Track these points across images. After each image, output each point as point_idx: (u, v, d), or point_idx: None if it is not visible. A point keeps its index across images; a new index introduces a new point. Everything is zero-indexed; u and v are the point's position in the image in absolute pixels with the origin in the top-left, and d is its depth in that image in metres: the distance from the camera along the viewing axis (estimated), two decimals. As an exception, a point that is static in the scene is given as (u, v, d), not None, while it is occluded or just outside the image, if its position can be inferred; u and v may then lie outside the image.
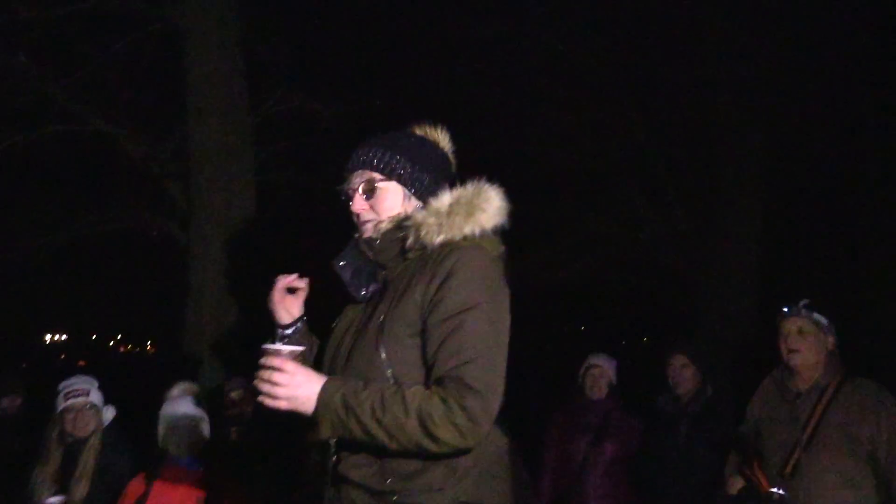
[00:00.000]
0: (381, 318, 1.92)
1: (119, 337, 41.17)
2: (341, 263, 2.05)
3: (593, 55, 7.68)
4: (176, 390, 3.69)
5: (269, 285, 2.20)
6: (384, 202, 2.01)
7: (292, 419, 1.93)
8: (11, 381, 5.52)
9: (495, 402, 1.80)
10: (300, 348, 1.90)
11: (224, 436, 3.95)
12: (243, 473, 3.74)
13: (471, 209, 1.93)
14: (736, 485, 3.54)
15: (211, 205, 5.37)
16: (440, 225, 1.92)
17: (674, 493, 4.12)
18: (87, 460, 3.83)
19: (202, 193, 5.39)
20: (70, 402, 3.88)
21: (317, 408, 1.80)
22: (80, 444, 3.82)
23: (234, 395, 4.09)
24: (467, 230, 1.92)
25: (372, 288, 2.03)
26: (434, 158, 2.07)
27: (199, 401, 3.66)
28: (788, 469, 3.27)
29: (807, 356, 3.36)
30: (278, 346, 1.88)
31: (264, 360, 1.84)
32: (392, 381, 1.85)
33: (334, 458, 1.93)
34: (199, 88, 5.45)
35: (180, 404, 3.60)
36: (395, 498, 1.84)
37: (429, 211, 1.95)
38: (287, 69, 5.96)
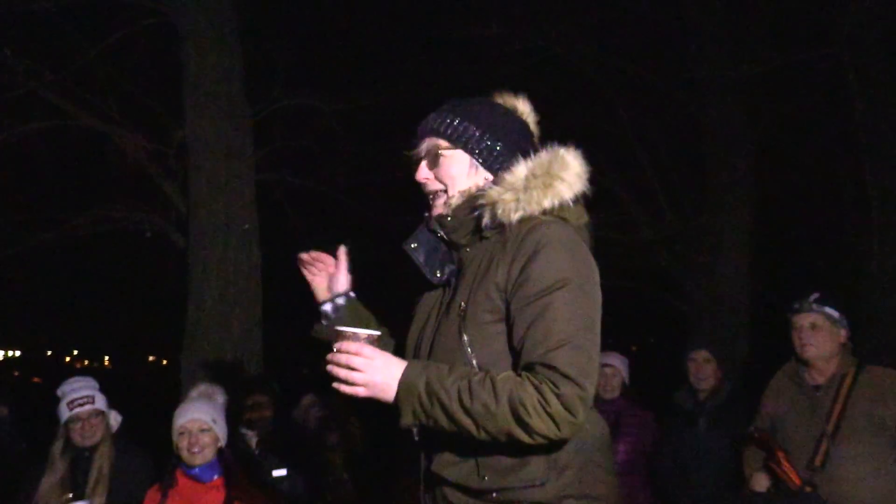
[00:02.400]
0: (463, 303, 1.79)
1: (76, 353, 40.15)
2: (413, 245, 1.92)
3: (582, 57, 7.70)
4: (194, 392, 3.54)
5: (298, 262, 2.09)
6: (448, 170, 1.88)
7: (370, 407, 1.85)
8: None
9: (591, 388, 1.67)
10: (377, 332, 1.78)
11: (243, 442, 3.81)
12: (264, 481, 3.62)
13: (548, 180, 1.79)
14: (761, 481, 3.54)
15: (211, 205, 5.22)
16: (517, 201, 1.78)
17: (692, 489, 4.12)
18: (102, 467, 3.69)
19: (202, 194, 5.24)
20: (75, 411, 3.72)
21: (398, 394, 1.69)
22: (90, 451, 3.67)
23: (253, 399, 3.96)
24: (546, 203, 1.79)
25: (448, 270, 1.89)
26: (508, 126, 1.91)
27: (215, 403, 3.52)
28: (818, 461, 3.29)
29: (821, 349, 3.39)
30: (356, 329, 1.76)
31: (339, 345, 1.72)
32: (476, 369, 1.74)
33: (424, 456, 1.84)
34: (198, 85, 5.30)
35: (192, 408, 3.45)
36: (494, 496, 1.73)
37: (503, 186, 1.80)
38: (286, 67, 5.83)
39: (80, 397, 3.73)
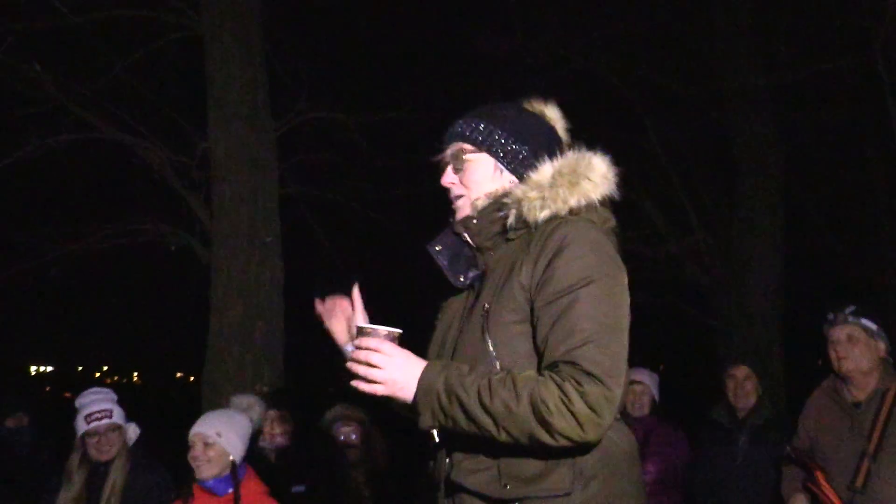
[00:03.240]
0: (486, 304, 1.75)
1: (106, 368, 40.63)
2: (437, 248, 1.88)
3: (608, 69, 7.63)
4: (234, 403, 3.48)
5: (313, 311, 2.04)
6: (473, 175, 1.86)
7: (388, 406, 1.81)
8: (13, 401, 5.31)
9: (617, 389, 1.59)
10: (398, 330, 1.73)
11: (261, 457, 3.74)
12: (281, 497, 3.54)
13: (574, 178, 1.76)
14: (800, 502, 3.41)
15: (236, 218, 5.21)
16: (543, 199, 1.74)
17: (732, 508, 3.98)
18: (116, 482, 3.63)
19: (226, 206, 5.23)
20: (93, 425, 3.67)
21: (417, 393, 1.65)
22: (105, 465, 3.62)
23: (273, 412, 3.89)
24: (573, 202, 1.75)
25: (471, 274, 1.85)
26: (534, 130, 1.89)
27: (233, 417, 3.46)
28: (860, 482, 3.15)
29: (859, 363, 3.26)
30: (376, 326, 1.73)
31: (359, 342, 1.70)
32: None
33: (446, 461, 1.76)
34: (222, 97, 5.31)
35: (203, 420, 3.38)
36: None
37: (529, 185, 1.78)
38: (310, 80, 5.84)
39: (98, 411, 3.68)
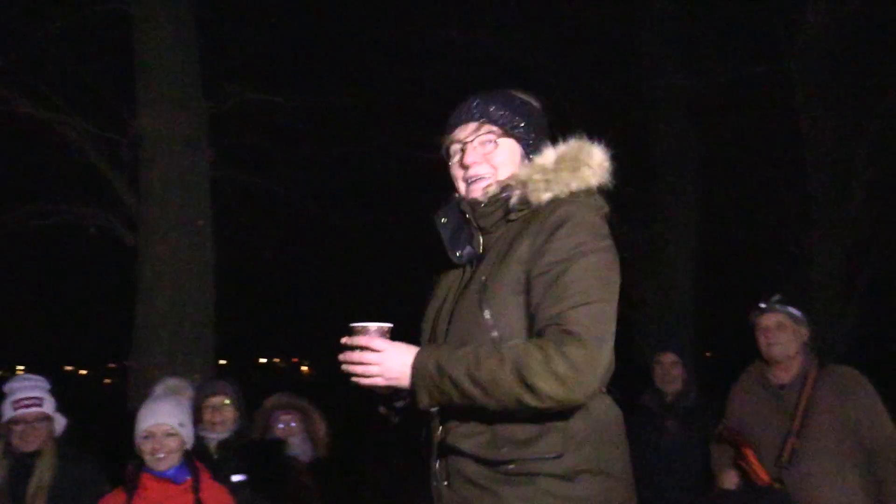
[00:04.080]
0: (483, 278, 1.82)
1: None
2: (443, 220, 1.93)
3: (542, 68, 7.77)
4: (160, 388, 3.36)
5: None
6: (499, 157, 1.92)
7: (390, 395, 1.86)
8: None
9: (600, 352, 1.66)
10: (388, 325, 1.81)
11: (201, 446, 3.62)
12: (228, 484, 3.45)
13: (576, 164, 1.85)
14: (730, 478, 3.62)
15: (165, 201, 5.00)
16: (547, 181, 1.83)
17: (660, 490, 4.16)
18: (43, 476, 3.45)
19: (155, 188, 5.01)
20: (20, 412, 3.47)
21: (412, 378, 1.72)
22: (31, 457, 3.43)
23: (214, 400, 3.77)
24: (574, 186, 1.84)
25: (467, 251, 1.90)
26: (537, 118, 1.98)
27: (181, 403, 3.35)
28: (786, 458, 3.38)
29: (787, 348, 3.51)
30: (366, 323, 1.80)
31: (351, 339, 1.77)
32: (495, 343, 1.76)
33: (440, 428, 1.83)
34: (152, 75, 5.08)
35: (158, 410, 3.27)
36: (511, 467, 1.73)
37: (533, 168, 1.87)
38: (246, 61, 5.66)
39: (27, 398, 3.49)
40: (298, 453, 3.98)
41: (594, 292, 1.71)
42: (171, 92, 5.09)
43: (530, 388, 1.63)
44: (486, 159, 1.92)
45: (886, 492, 3.27)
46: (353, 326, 1.80)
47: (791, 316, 3.55)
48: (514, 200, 1.85)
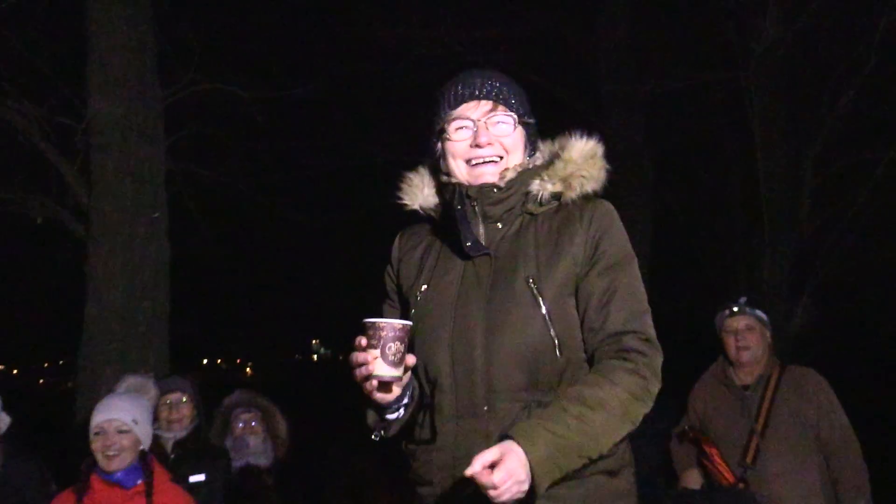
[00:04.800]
0: (531, 277, 1.77)
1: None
2: (458, 208, 1.84)
3: (497, 66, 7.76)
4: (122, 386, 3.21)
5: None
6: (514, 141, 1.89)
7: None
8: None
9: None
10: (409, 322, 1.71)
11: (157, 445, 3.49)
12: (185, 484, 3.33)
13: (596, 162, 1.88)
14: (694, 478, 3.66)
15: (118, 191, 4.79)
16: (584, 178, 1.84)
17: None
18: None
19: (107, 178, 4.79)
20: None
21: (533, 478, 1.57)
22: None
23: (171, 398, 3.63)
24: (598, 185, 1.89)
25: (473, 241, 1.83)
26: (531, 108, 1.98)
27: (141, 401, 3.21)
28: (749, 458, 3.44)
29: (756, 350, 3.58)
30: (390, 320, 1.67)
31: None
32: (555, 343, 1.75)
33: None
34: (106, 60, 4.84)
35: (112, 405, 3.12)
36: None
37: (565, 162, 1.86)
38: (203, 49, 5.47)
39: None
40: (259, 453, 3.88)
41: (645, 297, 1.82)
42: (126, 77, 4.88)
43: (643, 408, 1.75)
44: (501, 143, 1.87)
45: (840, 491, 3.37)
46: (375, 322, 1.65)
47: (759, 319, 3.62)
48: (545, 193, 1.83)
